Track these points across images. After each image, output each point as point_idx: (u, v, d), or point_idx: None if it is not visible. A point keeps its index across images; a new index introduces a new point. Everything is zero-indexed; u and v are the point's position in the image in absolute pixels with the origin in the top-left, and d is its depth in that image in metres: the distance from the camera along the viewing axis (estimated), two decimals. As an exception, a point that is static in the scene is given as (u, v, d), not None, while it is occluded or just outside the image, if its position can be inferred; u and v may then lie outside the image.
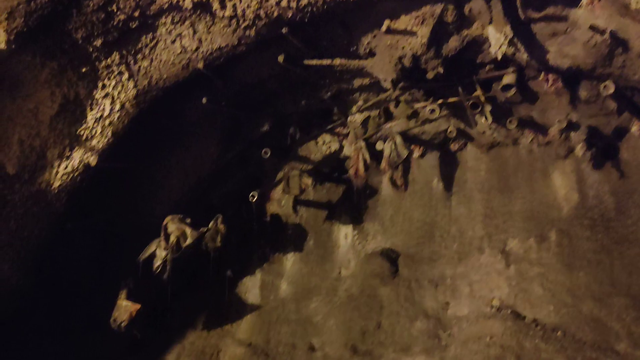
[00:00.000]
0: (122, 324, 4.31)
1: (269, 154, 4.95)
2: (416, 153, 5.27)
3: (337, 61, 4.17)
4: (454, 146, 5.23)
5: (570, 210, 4.46)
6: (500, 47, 3.57)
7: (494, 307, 4.24)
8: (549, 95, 4.35)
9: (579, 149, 4.23)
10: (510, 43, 3.60)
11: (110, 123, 3.83)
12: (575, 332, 3.76)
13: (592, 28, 3.29)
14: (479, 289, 4.46)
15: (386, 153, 4.85)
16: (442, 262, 4.85)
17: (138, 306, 4.34)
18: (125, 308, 4.30)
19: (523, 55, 3.85)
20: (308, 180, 5.11)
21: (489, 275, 4.52)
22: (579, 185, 4.46)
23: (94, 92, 3.77)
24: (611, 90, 3.40)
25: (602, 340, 3.62)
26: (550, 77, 4.16)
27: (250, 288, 5.48)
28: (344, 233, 5.53)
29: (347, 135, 5.30)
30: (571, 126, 4.23)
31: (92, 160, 3.83)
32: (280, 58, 4.05)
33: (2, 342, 4.02)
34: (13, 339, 4.12)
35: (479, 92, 4.46)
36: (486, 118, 4.57)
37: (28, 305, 4.12)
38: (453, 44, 4.02)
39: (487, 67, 4.40)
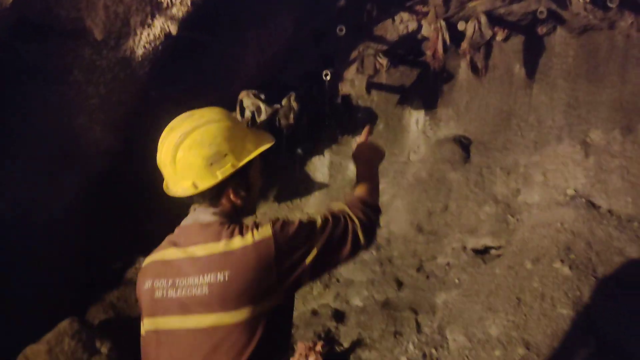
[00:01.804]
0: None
1: (343, 32, 4.80)
2: (499, 36, 4.96)
3: None
4: (541, 29, 4.88)
5: (664, 101, 4.18)
6: None
7: (568, 196, 4.18)
8: (660, -29, 3.90)
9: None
10: None
11: (189, -9, 3.79)
12: (653, 224, 3.68)
13: None
14: (554, 178, 4.38)
15: (469, 33, 4.60)
16: (517, 150, 4.75)
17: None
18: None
19: None
20: (383, 61, 4.98)
21: (566, 165, 4.41)
22: (679, 74, 4.13)
23: (172, -41, 3.71)
24: None
25: (681, 233, 3.53)
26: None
27: (319, 167, 5.62)
28: (416, 118, 5.46)
29: (427, 13, 5.02)
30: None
31: (173, 28, 3.85)
32: None
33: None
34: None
35: (578, -34, 4.05)
36: (583, -4, 4.18)
37: (117, 170, 4.43)
38: None
39: (592, -63, 3.95)
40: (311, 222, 1.55)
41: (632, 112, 4.30)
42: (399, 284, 4.30)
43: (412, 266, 4.38)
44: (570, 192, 4.20)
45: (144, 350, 1.59)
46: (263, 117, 4.74)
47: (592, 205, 4.00)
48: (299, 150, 5.50)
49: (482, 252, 4.23)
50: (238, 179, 1.58)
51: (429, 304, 3.97)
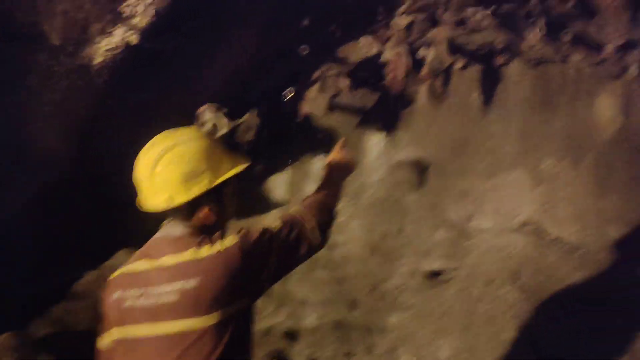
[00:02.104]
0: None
1: (307, 51, 4.87)
2: (459, 64, 5.11)
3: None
4: (499, 60, 5.05)
5: (611, 135, 4.35)
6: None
7: (519, 223, 4.29)
8: (609, 11, 4.12)
9: (632, 71, 4.05)
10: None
11: (152, 2, 3.77)
12: (597, 252, 3.80)
13: None
14: (506, 204, 4.49)
15: (429, 60, 4.73)
16: (472, 175, 4.85)
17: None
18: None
19: (589, -37, 3.59)
20: (345, 82, 5.05)
21: (518, 192, 4.53)
22: (625, 108, 4.31)
23: (139, -32, 3.70)
24: (680, 5, 3.18)
25: (625, 262, 3.66)
26: (615, -10, 3.90)
27: (278, 185, 5.59)
28: (375, 140, 5.51)
29: (389, 38, 5.15)
30: (628, 45, 4.03)
31: (134, 38, 3.81)
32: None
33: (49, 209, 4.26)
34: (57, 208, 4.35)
35: (534, 1, 4.24)
36: (538, 31, 4.36)
37: (70, 178, 4.31)
38: (515, -57, 3.75)
39: (547, -25, 4.14)
40: (271, 227, 1.71)
41: (581, 143, 4.47)
42: (353, 305, 4.29)
43: (366, 287, 4.38)
44: (521, 218, 4.32)
45: None
46: (223, 131, 4.71)
47: (541, 232, 4.12)
48: (258, 167, 5.48)
49: (435, 275, 4.27)
50: (213, 197, 1.69)
51: (381, 325, 3.97)
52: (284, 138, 5.48)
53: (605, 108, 4.47)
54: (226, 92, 4.95)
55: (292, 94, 4.96)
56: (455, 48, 4.86)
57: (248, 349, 1.71)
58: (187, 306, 1.54)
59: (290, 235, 1.72)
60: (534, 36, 4.52)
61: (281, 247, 1.68)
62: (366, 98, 5.59)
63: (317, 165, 5.63)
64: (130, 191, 4.78)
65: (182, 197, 1.64)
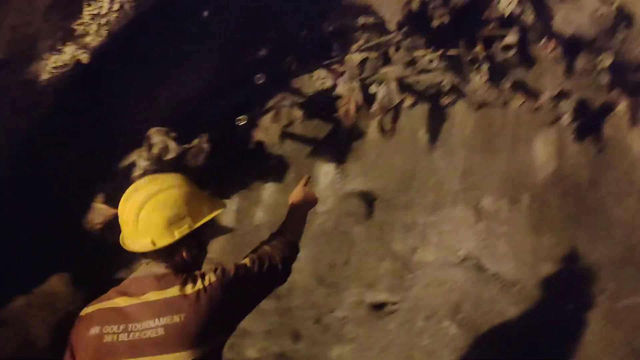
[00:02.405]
0: (96, 226, 4.36)
1: (262, 80, 4.92)
2: (407, 102, 5.31)
3: (346, -6, 4.11)
4: (444, 100, 5.28)
5: (546, 177, 4.62)
6: (510, 3, 3.57)
7: (460, 258, 4.45)
8: (546, 62, 4.41)
9: (566, 118, 4.34)
10: (520, 1, 3.59)
11: (107, 22, 3.71)
12: (532, 288, 3.99)
13: (603, -2, 3.31)
14: (448, 239, 4.65)
15: (379, 96, 4.88)
16: (416, 210, 5.00)
17: (114, 211, 4.35)
18: (100, 211, 4.33)
19: (529, 17, 3.88)
20: (298, 113, 5.12)
21: (459, 227, 4.70)
22: (558, 154, 4.60)
23: (94, -12, 3.65)
24: (608, 62, 3.48)
25: (556, 299, 3.85)
26: (551, 43, 4.20)
27: (226, 211, 5.54)
28: (325, 170, 5.61)
29: (342, 73, 5.28)
30: (562, 95, 4.32)
31: (85, 57, 3.74)
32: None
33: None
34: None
35: (479, 48, 4.48)
36: (482, 76, 4.60)
37: (5, 198, 4.12)
38: (463, -6, 3.99)
39: (491, 25, 4.41)
40: (245, 264, 1.86)
41: (518, 184, 4.71)
42: (296, 336, 4.27)
43: (311, 318, 4.38)
44: (461, 253, 4.47)
45: None
46: (171, 155, 4.65)
47: (480, 268, 4.28)
48: (206, 193, 5.42)
49: (379, 307, 4.34)
50: (192, 239, 1.80)
51: (323, 357, 3.97)
52: (233, 164, 5.46)
53: (541, 152, 4.75)
54: (178, 116, 4.90)
55: (245, 121, 4.98)
56: (404, 86, 5.04)
57: None
58: (173, 341, 1.62)
59: (262, 270, 1.86)
60: (478, 80, 4.76)
61: (254, 281, 1.83)
62: (318, 129, 5.69)
63: (267, 192, 5.65)
64: (68, 215, 4.62)
65: (164, 241, 1.74)
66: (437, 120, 5.36)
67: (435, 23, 4.19)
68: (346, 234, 4.95)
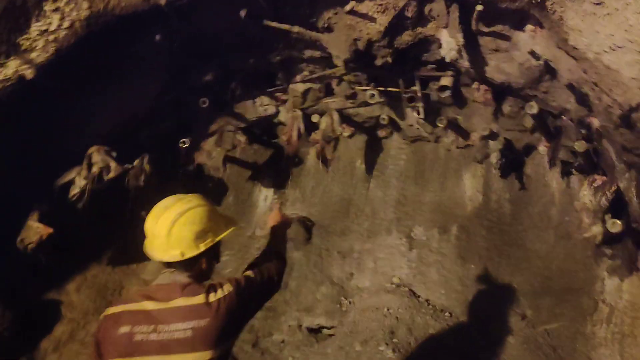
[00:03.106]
0: (30, 245, 4.17)
1: (206, 104, 4.95)
2: (346, 132, 5.52)
3: (296, 29, 4.26)
4: (381, 133, 5.55)
5: (473, 210, 4.97)
6: (450, 51, 3.88)
7: (394, 284, 4.66)
8: (476, 104, 4.77)
9: (493, 157, 4.71)
10: (459, 49, 3.92)
11: (55, 39, 3.63)
12: (460, 315, 4.26)
13: (531, 53, 3.69)
14: (382, 266, 4.87)
15: (322, 127, 5.05)
16: (353, 237, 5.19)
17: (50, 230, 4.20)
18: (36, 230, 4.15)
19: (465, 63, 4.20)
20: (242, 138, 5.19)
21: (393, 255, 4.94)
22: (484, 189, 4.98)
23: (44, 3, 3.58)
24: (535, 110, 3.84)
25: (481, 325, 4.14)
26: (482, 87, 4.57)
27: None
28: (265, 195, 5.70)
29: (285, 101, 5.42)
30: (492, 135, 4.69)
31: (29, 72, 3.63)
32: (243, 12, 4.08)
33: None
34: None
35: (417, 87, 4.78)
36: (418, 113, 4.90)
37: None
38: (406, 38, 4.26)
39: (429, 67, 4.72)
40: (249, 276, 2.21)
41: (448, 215, 5.02)
42: (234, 360, 4.28)
43: (249, 342, 4.41)
44: (395, 280, 4.70)
45: None
46: (112, 175, 4.55)
47: (413, 294, 4.51)
48: (143, 213, 5.31)
49: (316, 331, 4.45)
50: (211, 251, 2.14)
51: (262, 381, 4.01)
52: (173, 186, 5.41)
53: (468, 187, 5.11)
54: (119, 134, 4.82)
55: (188, 145, 4.97)
56: (344, 117, 5.25)
57: None
58: (198, 341, 1.92)
59: (263, 280, 2.22)
60: (413, 116, 5.06)
61: (258, 289, 2.17)
62: (259, 154, 5.78)
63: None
64: (2, 229, 4.36)
65: (192, 252, 2.07)
66: (373, 151, 5.62)
67: (379, 62, 4.43)
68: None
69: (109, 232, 5.01)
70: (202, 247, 2.07)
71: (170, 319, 1.94)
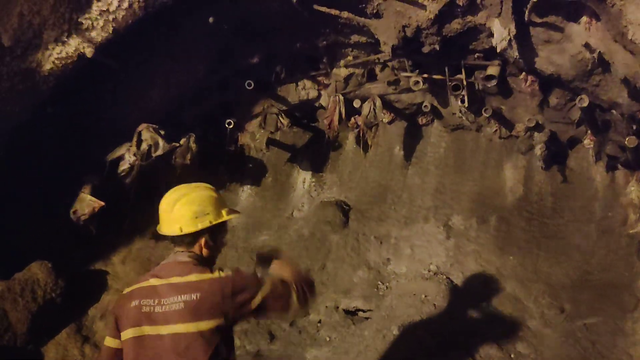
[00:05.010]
0: (83, 217, 4.34)
1: (252, 86, 5.03)
2: (386, 118, 5.54)
3: (345, 14, 4.27)
4: (421, 120, 5.55)
5: (513, 201, 4.96)
6: (502, 41, 3.85)
7: (431, 271, 4.71)
8: (522, 94, 4.73)
9: (538, 149, 4.68)
10: (510, 39, 3.88)
11: (114, 19, 3.74)
12: (497, 305, 4.29)
13: (586, 45, 3.64)
14: (419, 253, 4.91)
15: (364, 112, 5.07)
16: (390, 222, 5.24)
17: (102, 203, 4.38)
18: (88, 202, 4.32)
19: (514, 53, 4.15)
20: (285, 121, 5.25)
21: (430, 243, 4.97)
22: (526, 181, 4.96)
23: (105, -16, 3.68)
24: (586, 103, 3.80)
25: (518, 316, 4.17)
26: (530, 78, 4.53)
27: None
28: (303, 178, 5.78)
29: (327, 86, 5.46)
30: (537, 127, 4.65)
31: (89, 51, 3.75)
32: (294, -4, 4.11)
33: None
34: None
35: (462, 75, 4.76)
36: (462, 101, 4.88)
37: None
38: (455, 26, 4.23)
39: (476, 55, 4.69)
40: (260, 279, 2.27)
41: (487, 205, 5.02)
42: (272, 337, 4.42)
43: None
44: (433, 268, 4.74)
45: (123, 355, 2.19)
46: (159, 152, 4.68)
47: (450, 282, 4.55)
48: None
49: (353, 314, 4.54)
50: (210, 234, 2.30)
51: (299, 358, 4.13)
52: (214, 165, 5.54)
53: (509, 178, 5.09)
54: (167, 113, 4.94)
55: (232, 125, 5.07)
56: (385, 103, 5.26)
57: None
58: (188, 313, 2.10)
59: (275, 293, 2.20)
60: (457, 105, 5.04)
61: (265, 296, 2.18)
62: (298, 137, 5.85)
63: (244, 194, 5.76)
64: (54, 204, 4.54)
65: (189, 229, 2.24)
66: (413, 138, 5.62)
67: (426, 49, 4.41)
68: (323, 241, 5.12)
69: (154, 208, 5.14)
70: (200, 226, 2.23)
71: (169, 293, 2.15)
